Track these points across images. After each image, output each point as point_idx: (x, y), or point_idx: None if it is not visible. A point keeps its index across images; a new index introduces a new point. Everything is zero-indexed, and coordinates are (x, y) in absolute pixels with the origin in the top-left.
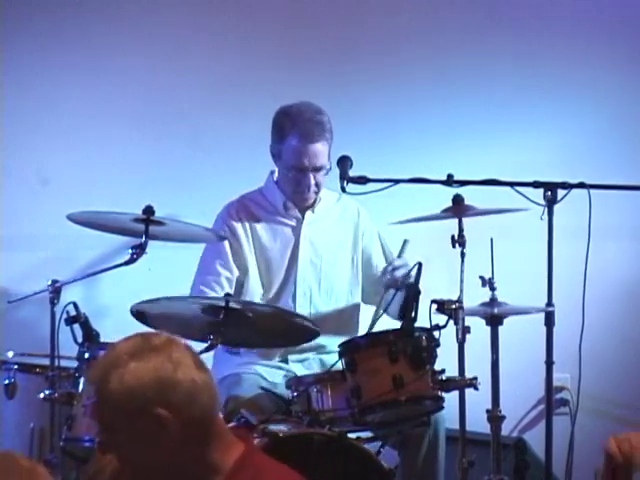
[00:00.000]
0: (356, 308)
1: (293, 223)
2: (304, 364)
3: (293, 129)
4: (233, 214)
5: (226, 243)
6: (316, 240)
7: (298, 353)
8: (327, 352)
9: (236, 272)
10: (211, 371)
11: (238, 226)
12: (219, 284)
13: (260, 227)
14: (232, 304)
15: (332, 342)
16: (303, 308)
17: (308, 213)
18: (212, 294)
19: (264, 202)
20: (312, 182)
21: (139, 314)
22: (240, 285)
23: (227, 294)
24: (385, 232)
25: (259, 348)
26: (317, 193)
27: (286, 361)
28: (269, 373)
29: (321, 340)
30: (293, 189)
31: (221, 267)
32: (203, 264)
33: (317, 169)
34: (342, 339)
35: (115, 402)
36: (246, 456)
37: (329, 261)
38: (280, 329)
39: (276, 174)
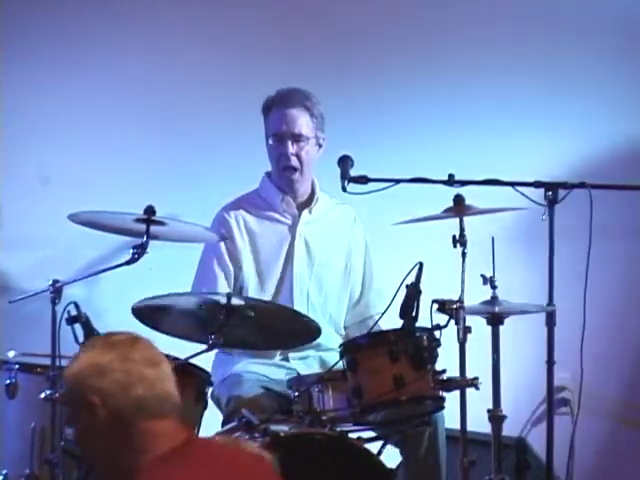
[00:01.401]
0: (342, 314)
1: (289, 221)
2: (305, 362)
3: (273, 104)
4: (228, 215)
5: (222, 244)
6: (311, 240)
7: (298, 351)
8: (325, 350)
9: (232, 271)
10: (211, 372)
11: (234, 226)
12: (217, 285)
13: (255, 225)
14: (234, 300)
15: (328, 340)
16: (301, 305)
17: (305, 212)
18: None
19: (260, 201)
20: (291, 150)
21: (140, 314)
22: (237, 284)
23: (229, 293)
24: (386, 232)
25: (260, 350)
26: (301, 171)
27: (287, 359)
28: (271, 372)
29: (319, 338)
30: (277, 162)
31: (218, 268)
32: (201, 268)
33: (296, 137)
34: (337, 339)
35: (65, 389)
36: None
37: (321, 263)
38: (282, 328)
39: (270, 168)
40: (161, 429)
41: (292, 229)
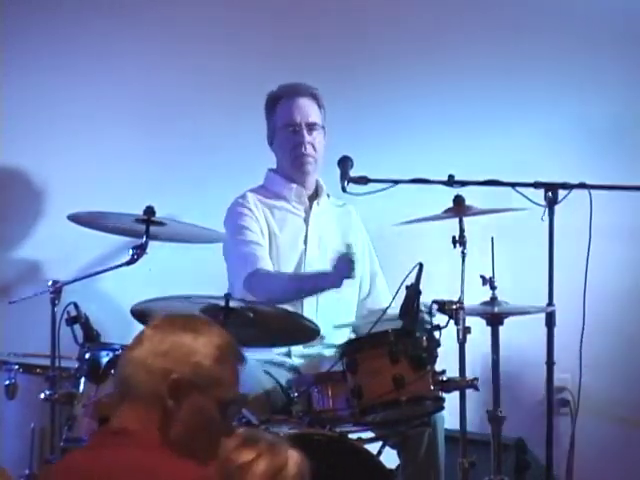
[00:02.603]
0: (353, 306)
1: (302, 213)
2: (306, 359)
3: (281, 95)
4: (251, 200)
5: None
6: (322, 232)
7: (301, 347)
8: (328, 346)
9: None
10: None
11: (254, 209)
12: (264, 251)
13: (271, 215)
14: (232, 303)
15: (331, 334)
16: (312, 298)
17: (314, 204)
18: (258, 249)
19: (269, 194)
20: (308, 139)
21: (140, 314)
22: None
23: (227, 294)
24: (386, 233)
25: (260, 347)
26: (315, 160)
27: (289, 355)
28: (272, 369)
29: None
30: (291, 153)
31: (254, 235)
32: (235, 229)
33: (310, 126)
34: (340, 333)
35: None
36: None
37: (332, 255)
38: (281, 329)
39: (275, 165)
40: (117, 413)
41: (306, 221)
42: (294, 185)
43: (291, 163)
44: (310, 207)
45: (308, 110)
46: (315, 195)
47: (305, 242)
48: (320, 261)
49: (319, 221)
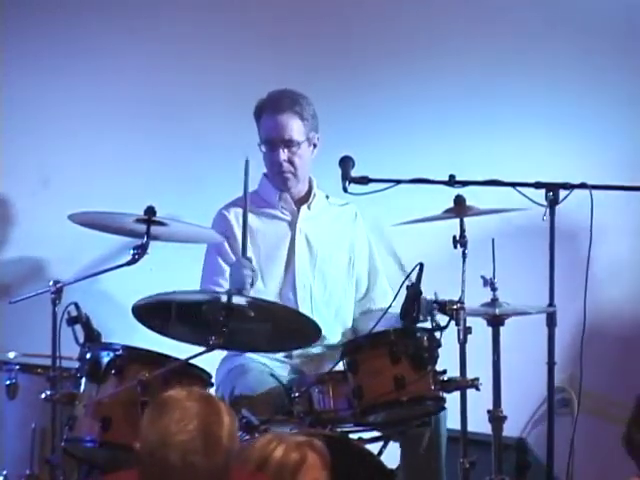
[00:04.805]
0: (349, 307)
1: (288, 218)
2: (307, 359)
3: (265, 108)
4: (228, 212)
5: (225, 243)
6: (311, 236)
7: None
8: (330, 346)
9: None
10: (216, 374)
11: (234, 223)
12: (224, 279)
13: (255, 223)
14: (235, 299)
15: (334, 336)
16: (304, 301)
17: (303, 208)
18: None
19: (259, 200)
20: (283, 157)
21: (140, 314)
22: None
23: (229, 290)
24: (387, 233)
25: (261, 351)
26: (295, 174)
27: (290, 356)
28: (275, 367)
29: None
30: (270, 169)
31: (224, 263)
32: (206, 266)
33: (287, 142)
34: (340, 334)
35: None
36: None
37: (324, 258)
38: (282, 328)
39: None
40: None
41: (292, 225)
42: (280, 192)
43: (272, 178)
44: (298, 211)
45: (286, 127)
46: (306, 198)
47: (292, 245)
48: (311, 263)
49: (308, 225)
